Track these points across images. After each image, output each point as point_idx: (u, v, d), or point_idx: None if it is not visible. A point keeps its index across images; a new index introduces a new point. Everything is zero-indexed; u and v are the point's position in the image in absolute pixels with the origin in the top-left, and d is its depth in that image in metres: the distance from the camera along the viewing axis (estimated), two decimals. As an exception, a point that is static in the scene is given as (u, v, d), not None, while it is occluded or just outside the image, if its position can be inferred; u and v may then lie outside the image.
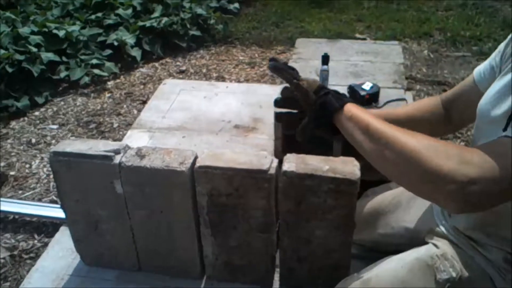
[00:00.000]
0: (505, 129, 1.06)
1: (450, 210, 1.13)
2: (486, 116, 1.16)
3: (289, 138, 1.74)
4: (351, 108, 1.05)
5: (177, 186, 1.45)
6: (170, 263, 1.63)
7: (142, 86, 3.00)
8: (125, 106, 2.77)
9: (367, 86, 1.74)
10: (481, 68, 1.26)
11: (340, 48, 2.15)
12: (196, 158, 1.45)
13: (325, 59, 1.32)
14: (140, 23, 3.35)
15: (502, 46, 1.20)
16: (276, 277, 1.63)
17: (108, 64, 3.12)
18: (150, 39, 3.36)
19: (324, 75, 1.32)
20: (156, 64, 3.28)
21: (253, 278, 1.61)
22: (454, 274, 1.15)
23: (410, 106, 1.43)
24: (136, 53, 3.23)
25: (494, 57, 1.22)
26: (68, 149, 1.47)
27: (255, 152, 1.51)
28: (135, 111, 2.69)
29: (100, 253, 1.65)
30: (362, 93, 1.73)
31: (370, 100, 1.72)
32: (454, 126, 1.39)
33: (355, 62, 2.01)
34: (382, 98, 1.74)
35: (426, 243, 1.29)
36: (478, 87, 1.25)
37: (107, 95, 2.95)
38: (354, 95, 1.76)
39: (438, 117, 1.37)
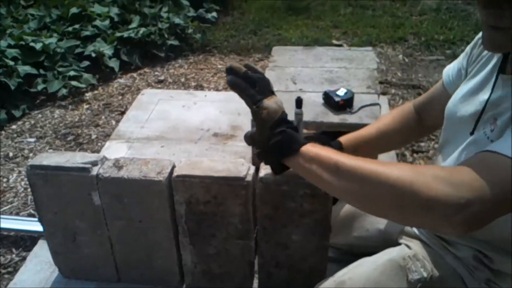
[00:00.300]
0: (472, 132, 1.10)
1: (454, 234, 1.09)
2: (453, 118, 1.20)
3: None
4: (311, 149, 0.97)
5: (155, 195, 1.46)
6: (149, 273, 1.63)
7: (120, 97, 3.00)
8: (103, 117, 2.77)
9: (341, 92, 1.77)
10: (449, 71, 1.30)
11: (315, 55, 2.19)
12: (173, 167, 1.47)
13: (298, 103, 1.29)
14: (118, 34, 3.35)
15: (468, 48, 1.24)
16: (255, 283, 1.65)
17: (85, 75, 3.12)
18: (128, 50, 3.37)
19: (298, 118, 1.30)
20: (134, 75, 3.29)
21: (232, 285, 1.63)
22: (425, 274, 1.18)
23: (381, 121, 1.44)
24: (114, 64, 3.23)
25: (461, 60, 1.26)
26: (45, 162, 1.47)
27: (233, 159, 1.53)
28: (114, 122, 2.69)
29: (78, 265, 1.65)
30: (337, 99, 1.76)
31: (344, 105, 1.76)
32: (428, 129, 1.42)
33: (330, 69, 2.05)
34: (357, 104, 1.78)
35: (399, 244, 1.33)
36: (447, 89, 1.28)
37: (85, 106, 2.94)
38: (329, 101, 1.79)
39: (411, 124, 1.40)
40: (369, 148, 1.46)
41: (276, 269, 1.57)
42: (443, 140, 1.25)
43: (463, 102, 1.16)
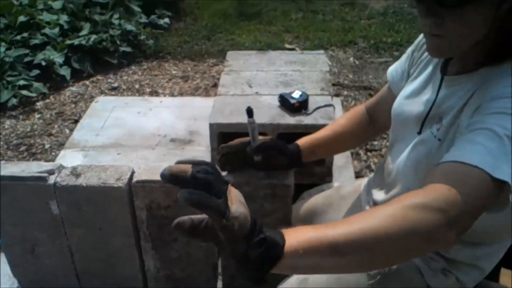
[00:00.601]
0: (419, 132, 1.15)
1: (448, 249, 1.09)
2: (399, 118, 1.25)
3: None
4: (295, 244, 0.78)
5: (115, 202, 1.45)
6: (112, 281, 1.62)
7: (73, 105, 2.95)
8: (56, 126, 2.71)
9: (296, 94, 1.81)
10: (393, 72, 1.35)
11: (269, 59, 2.23)
12: (133, 173, 1.47)
13: (250, 112, 1.27)
14: (68, 42, 3.29)
15: (409, 51, 1.30)
16: (219, 284, 1.66)
17: (36, 84, 3.05)
18: (79, 57, 3.31)
19: (252, 127, 1.29)
20: (87, 82, 3.24)
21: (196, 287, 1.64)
22: (383, 266, 1.24)
23: (336, 123, 1.47)
24: (65, 72, 3.16)
25: (403, 62, 1.32)
26: (-1, 173, 1.44)
27: (192, 163, 1.54)
28: (67, 131, 2.64)
29: (38, 276, 1.61)
30: (292, 101, 1.80)
31: (300, 107, 1.80)
32: (380, 129, 1.47)
33: (284, 72, 2.09)
34: (311, 105, 1.82)
35: (357, 239, 1.37)
36: (392, 91, 1.34)
37: (37, 116, 2.87)
38: (285, 103, 1.83)
39: (364, 125, 1.45)
40: (326, 149, 1.51)
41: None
42: (392, 140, 1.31)
43: (408, 102, 1.22)
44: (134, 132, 2.50)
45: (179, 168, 0.77)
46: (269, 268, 0.77)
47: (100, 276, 1.61)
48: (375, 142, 2.54)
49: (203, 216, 0.77)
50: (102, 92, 3.09)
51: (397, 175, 1.23)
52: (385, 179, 1.33)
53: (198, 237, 0.78)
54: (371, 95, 3.14)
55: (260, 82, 2.02)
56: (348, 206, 1.53)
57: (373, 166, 2.35)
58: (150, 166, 1.49)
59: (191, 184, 0.75)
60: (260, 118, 1.75)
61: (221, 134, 1.81)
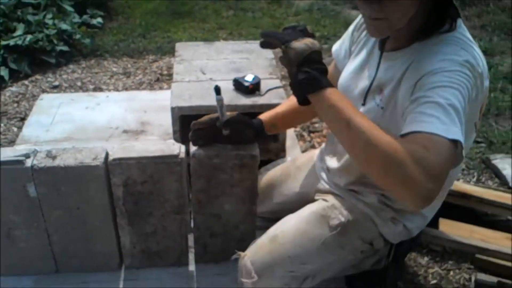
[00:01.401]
0: (364, 103, 1.34)
1: (413, 209, 1.19)
2: (345, 92, 1.41)
3: (185, 132, 1.90)
4: (331, 96, 1.08)
5: (92, 181, 1.52)
6: (88, 260, 1.68)
7: (15, 105, 2.91)
8: (2, 124, 2.68)
9: (249, 77, 1.97)
10: (337, 51, 1.54)
11: (216, 49, 2.37)
12: (107, 153, 1.55)
13: (217, 90, 1.42)
14: (3, 42, 3.23)
15: (350, 30, 1.48)
16: (191, 256, 1.77)
17: (-27, 86, 2.99)
18: (16, 58, 3.26)
19: (220, 104, 1.44)
20: (26, 82, 3.19)
21: (170, 260, 1.74)
22: (342, 219, 1.41)
23: (291, 99, 1.62)
24: (3, 72, 3.11)
25: (346, 41, 1.50)
26: (-24, 159, 1.47)
27: (163, 141, 1.64)
28: (15, 129, 2.62)
29: (14, 261, 1.64)
30: (246, 84, 1.95)
31: (254, 89, 1.95)
32: None
33: (233, 60, 2.24)
34: (264, 87, 1.99)
35: (316, 200, 1.55)
36: (338, 68, 1.53)
37: (-21, 116, 2.82)
38: (239, 86, 1.97)
39: None
40: (285, 122, 1.68)
41: (211, 239, 1.71)
42: (339, 111, 1.50)
43: (352, 77, 1.41)
44: (85, 126, 2.53)
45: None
46: (305, 93, 1.11)
47: (77, 256, 1.66)
48: (317, 125, 2.75)
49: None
50: (43, 91, 3.07)
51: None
52: (335, 146, 1.52)
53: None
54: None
55: (212, 69, 2.15)
56: (305, 174, 1.71)
57: (316, 145, 2.56)
58: (123, 145, 1.58)
59: (272, 33, 1.17)
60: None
61: (182, 117, 1.92)
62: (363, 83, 1.35)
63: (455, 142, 0.99)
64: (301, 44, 1.11)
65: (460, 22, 1.18)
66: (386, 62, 1.28)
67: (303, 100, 1.15)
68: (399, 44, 1.23)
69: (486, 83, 1.16)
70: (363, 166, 1.08)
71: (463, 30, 1.18)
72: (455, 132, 0.99)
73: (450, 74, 1.05)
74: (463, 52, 1.10)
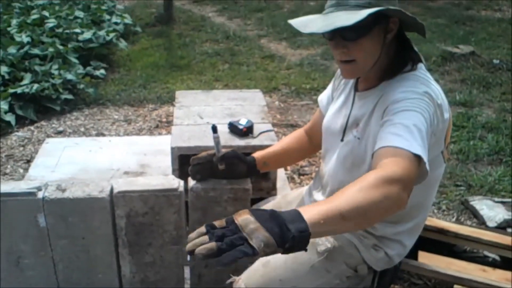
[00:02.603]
0: (342, 139, 1.51)
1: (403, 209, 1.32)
2: (328, 131, 1.61)
3: (183, 170, 2.05)
4: (315, 218, 1.02)
5: (98, 212, 1.66)
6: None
7: (21, 148, 3.07)
8: (9, 166, 2.82)
9: (243, 121, 2.14)
10: (322, 99, 1.74)
11: (213, 96, 2.56)
12: (112, 186, 1.70)
13: (214, 129, 1.62)
14: (11, 90, 3.43)
15: (332, 80, 1.70)
16: (186, 285, 1.88)
17: (-19, 131, 3.15)
18: (22, 105, 3.45)
19: (216, 141, 1.63)
20: (32, 128, 3.37)
21: (167, 290, 1.85)
22: (329, 245, 1.54)
23: (282, 141, 1.81)
24: (10, 118, 3.29)
25: (329, 89, 1.71)
26: (-8, 190, 1.60)
27: (163, 176, 1.79)
28: (21, 170, 2.76)
29: (21, 288, 1.75)
30: (240, 127, 2.12)
31: (247, 132, 2.12)
32: (317, 145, 1.79)
33: (229, 106, 2.42)
34: (256, 130, 2.16)
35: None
36: (323, 113, 1.72)
37: (-14, 159, 2.97)
38: (234, 129, 2.14)
39: (304, 144, 1.81)
40: (276, 162, 1.84)
41: (205, 269, 1.83)
42: (324, 150, 1.66)
43: (333, 118, 1.59)
44: (88, 167, 2.67)
45: (206, 248, 0.95)
46: (306, 245, 1.01)
47: (79, 283, 1.77)
48: (306, 168, 2.92)
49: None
50: (48, 136, 3.23)
51: (329, 175, 1.57)
52: (321, 181, 1.68)
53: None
54: (297, 132, 3.55)
55: (209, 114, 2.33)
56: (295, 207, 1.85)
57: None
58: (126, 180, 1.73)
59: (220, 254, 0.95)
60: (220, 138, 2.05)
61: (181, 157, 2.08)
62: (341, 121, 1.53)
63: (417, 157, 1.15)
64: (257, 238, 0.97)
65: (421, 65, 1.38)
66: (360, 101, 1.47)
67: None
68: (369, 84, 1.43)
69: (446, 115, 1.33)
70: (375, 222, 1.28)
71: (423, 70, 1.38)
72: (416, 147, 1.16)
73: (412, 100, 1.25)
74: (422, 86, 1.30)
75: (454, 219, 2.48)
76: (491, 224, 2.32)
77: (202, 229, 1.03)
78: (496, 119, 3.67)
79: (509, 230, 2.25)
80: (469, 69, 4.71)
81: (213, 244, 0.96)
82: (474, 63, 4.81)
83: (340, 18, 1.24)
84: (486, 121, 3.62)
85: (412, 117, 1.22)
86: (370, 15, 1.22)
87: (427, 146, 1.20)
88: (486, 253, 2.11)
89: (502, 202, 2.50)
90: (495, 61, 4.87)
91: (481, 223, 2.41)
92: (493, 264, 2.05)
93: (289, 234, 0.98)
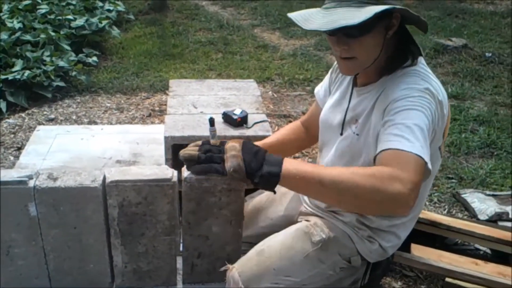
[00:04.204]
0: (341, 133, 1.51)
1: (400, 214, 1.40)
2: (325, 125, 1.61)
3: (177, 160, 2.04)
4: (291, 170, 1.14)
5: (90, 201, 1.64)
6: (81, 278, 1.77)
7: (12, 135, 3.04)
8: (-1, 153, 2.81)
9: (238, 111, 2.13)
10: (319, 92, 1.73)
11: (207, 86, 2.54)
12: (105, 176, 1.68)
13: (212, 122, 1.61)
14: (2, 77, 3.38)
15: (329, 73, 1.69)
16: (179, 276, 1.87)
17: (-29, 117, 3.11)
18: (14, 91, 3.41)
19: (212, 134, 1.63)
20: (23, 115, 3.33)
21: (160, 280, 1.83)
22: (324, 236, 1.54)
23: (278, 133, 1.82)
24: (1, 104, 3.25)
25: (326, 82, 1.70)
26: (-18, 178, 1.58)
27: (157, 166, 1.77)
28: (11, 157, 2.74)
29: (10, 278, 1.73)
30: (235, 117, 2.11)
31: (241, 122, 2.12)
32: (313, 137, 1.80)
33: (223, 96, 2.41)
34: (250, 120, 2.15)
35: (299, 222, 1.69)
36: (320, 106, 1.71)
37: (-25, 146, 2.94)
38: (228, 119, 2.13)
39: (301, 135, 1.80)
40: (272, 153, 1.83)
41: (198, 260, 1.82)
42: (321, 143, 1.66)
43: (330, 112, 1.58)
44: (80, 156, 2.65)
45: (189, 153, 1.22)
46: (273, 187, 1.15)
47: (71, 273, 1.76)
48: (299, 158, 2.91)
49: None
50: (39, 123, 3.20)
51: (326, 168, 1.57)
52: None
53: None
54: (290, 122, 3.54)
55: (203, 104, 2.32)
56: (289, 199, 1.85)
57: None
58: (120, 169, 1.71)
59: (199, 162, 1.20)
60: (208, 132, 2.03)
61: (174, 146, 2.06)
62: (340, 115, 1.52)
63: (421, 158, 1.15)
64: (231, 161, 1.17)
65: (421, 58, 1.37)
66: (359, 96, 1.46)
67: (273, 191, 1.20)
68: (369, 79, 1.41)
69: (446, 111, 1.33)
70: (355, 210, 1.27)
71: (423, 64, 1.36)
72: (419, 149, 1.15)
73: (413, 99, 1.23)
74: (423, 82, 1.28)
75: (445, 212, 2.50)
76: (482, 217, 2.33)
77: (199, 142, 1.31)
78: (488, 112, 3.69)
79: (500, 223, 2.27)
80: (462, 62, 4.73)
81: (195, 153, 1.20)
82: (467, 56, 4.83)
83: (345, 15, 1.21)
84: (477, 114, 3.64)
85: (414, 117, 1.21)
86: (376, 14, 1.20)
87: (429, 145, 1.20)
88: (478, 246, 2.13)
89: (493, 195, 2.52)
90: (488, 54, 4.89)
91: (472, 216, 2.43)
92: (485, 257, 2.07)
93: (259, 172, 1.13)
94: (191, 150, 1.23)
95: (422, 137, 1.17)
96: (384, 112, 1.27)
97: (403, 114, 1.21)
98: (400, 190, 1.09)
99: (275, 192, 1.18)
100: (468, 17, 6.45)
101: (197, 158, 1.19)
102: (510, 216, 2.33)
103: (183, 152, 1.21)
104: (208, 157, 1.19)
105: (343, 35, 1.28)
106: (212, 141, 1.61)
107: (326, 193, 1.13)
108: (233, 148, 1.17)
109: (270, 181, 1.13)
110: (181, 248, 1.82)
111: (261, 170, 1.13)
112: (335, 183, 1.11)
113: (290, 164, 1.15)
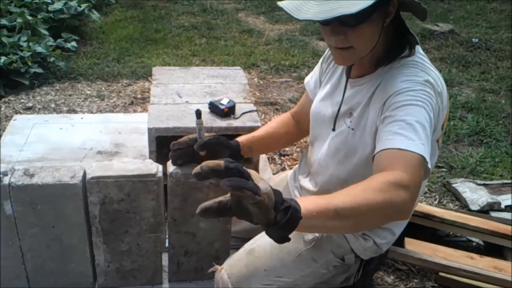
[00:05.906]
0: (334, 129, 1.43)
1: (402, 220, 1.36)
2: (317, 118, 1.53)
3: (161, 152, 1.95)
4: (308, 207, 0.98)
5: (69, 199, 1.55)
6: (61, 279, 1.69)
7: (-13, 125, 2.91)
8: (-27, 144, 2.67)
9: (225, 101, 2.05)
10: (309, 83, 1.64)
11: (192, 73, 2.44)
12: (85, 171, 1.58)
13: (198, 114, 1.49)
14: (-24, 63, 3.24)
15: (319, 63, 1.59)
16: (164, 275, 1.80)
17: None
18: (-12, 79, 3.27)
19: (199, 127, 1.52)
20: (-1, 103, 3.20)
21: (144, 279, 1.76)
22: (317, 234, 1.48)
23: (268, 125, 1.72)
24: (-25, 92, 3.11)
25: (316, 73, 1.61)
26: (-47, 176, 1.48)
27: (141, 160, 1.68)
28: (-13, 149, 2.61)
29: (-13, 279, 1.64)
30: (222, 107, 2.02)
31: (229, 112, 2.03)
32: (304, 130, 1.72)
33: (209, 84, 2.32)
34: (238, 110, 2.06)
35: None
36: (311, 98, 1.63)
37: None
38: (215, 109, 2.04)
39: (291, 129, 1.72)
40: (261, 147, 1.75)
41: (185, 257, 1.75)
42: (312, 137, 1.58)
43: (322, 104, 1.50)
44: (59, 146, 2.54)
45: (214, 163, 0.93)
46: (293, 228, 0.95)
47: (51, 275, 1.67)
48: (287, 148, 2.84)
49: (223, 197, 0.97)
50: (16, 112, 3.07)
51: (319, 166, 1.50)
52: (309, 169, 1.60)
53: (226, 215, 0.96)
54: (277, 110, 3.46)
55: (188, 93, 2.22)
56: (279, 192, 1.78)
57: (287, 168, 2.64)
58: (101, 164, 1.62)
59: (227, 174, 0.92)
60: (194, 123, 1.94)
61: (158, 138, 1.97)
62: (332, 109, 1.44)
63: (422, 157, 1.08)
64: (264, 184, 0.93)
65: (418, 47, 1.29)
66: (353, 88, 1.38)
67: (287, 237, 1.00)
68: (364, 70, 1.33)
69: (445, 102, 1.26)
70: (369, 228, 1.23)
71: (421, 54, 1.29)
72: (421, 147, 1.09)
73: (414, 93, 1.16)
74: (423, 73, 1.21)
75: (436, 202, 2.46)
76: (474, 207, 2.30)
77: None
78: (476, 99, 3.65)
79: (492, 213, 2.23)
80: (448, 47, 4.68)
81: (221, 162, 0.93)
82: (453, 42, 4.78)
83: (341, 3, 1.12)
84: (465, 101, 3.60)
85: (415, 113, 1.13)
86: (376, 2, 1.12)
87: (430, 141, 1.13)
88: (470, 237, 2.09)
89: (484, 185, 2.48)
90: (474, 40, 4.85)
91: (463, 206, 2.39)
92: (477, 249, 2.03)
93: (285, 203, 0.94)
94: (215, 161, 0.96)
95: (424, 135, 1.11)
96: (383, 106, 1.20)
97: (403, 110, 1.14)
98: (404, 198, 1.03)
99: (289, 239, 0.98)
100: (453, 2, 6.40)
101: (224, 167, 0.93)
102: (501, 206, 2.29)
103: (205, 163, 0.95)
104: (236, 169, 0.93)
105: (338, 24, 1.20)
106: (206, 135, 1.54)
107: (344, 221, 1.01)
108: (258, 174, 0.97)
109: (294, 217, 0.94)
110: (166, 245, 1.75)
111: (286, 203, 0.94)
112: (351, 209, 1.00)
113: (303, 201, 0.99)
